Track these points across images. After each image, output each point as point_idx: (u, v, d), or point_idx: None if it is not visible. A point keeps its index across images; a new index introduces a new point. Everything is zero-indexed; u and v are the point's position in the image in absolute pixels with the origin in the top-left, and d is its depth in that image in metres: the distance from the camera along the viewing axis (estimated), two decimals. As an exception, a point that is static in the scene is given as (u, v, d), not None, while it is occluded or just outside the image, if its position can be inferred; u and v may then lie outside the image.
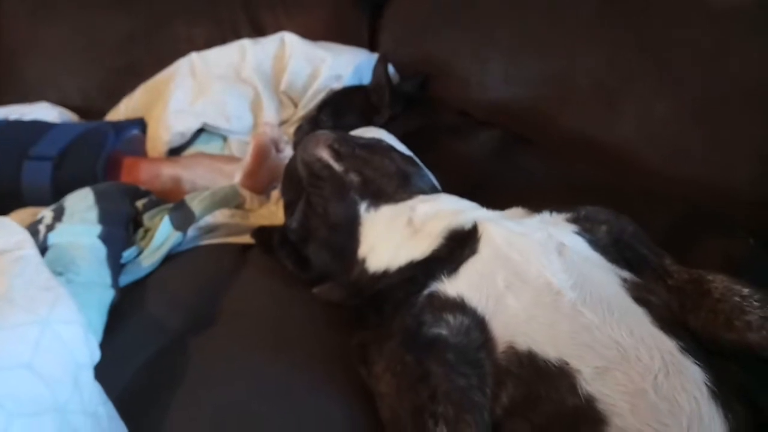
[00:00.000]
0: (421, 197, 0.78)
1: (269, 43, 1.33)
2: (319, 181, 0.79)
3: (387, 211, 0.76)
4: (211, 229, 0.93)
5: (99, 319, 0.73)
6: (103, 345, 0.71)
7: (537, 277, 0.60)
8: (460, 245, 0.66)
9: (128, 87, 1.50)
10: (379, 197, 0.77)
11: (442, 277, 0.63)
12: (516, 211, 0.75)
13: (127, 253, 0.89)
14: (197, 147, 1.29)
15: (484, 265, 0.63)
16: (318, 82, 1.27)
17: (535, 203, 0.93)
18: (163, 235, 0.90)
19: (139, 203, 0.99)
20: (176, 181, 1.13)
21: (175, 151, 1.28)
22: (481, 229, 0.66)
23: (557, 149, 1.04)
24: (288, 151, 1.14)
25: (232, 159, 1.13)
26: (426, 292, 0.63)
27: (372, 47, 1.39)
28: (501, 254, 0.63)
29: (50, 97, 1.60)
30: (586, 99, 1.10)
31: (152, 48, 1.54)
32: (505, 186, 0.96)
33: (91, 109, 1.59)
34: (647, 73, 1.05)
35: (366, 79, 1.29)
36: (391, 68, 1.20)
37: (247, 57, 1.33)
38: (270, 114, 1.28)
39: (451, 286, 0.62)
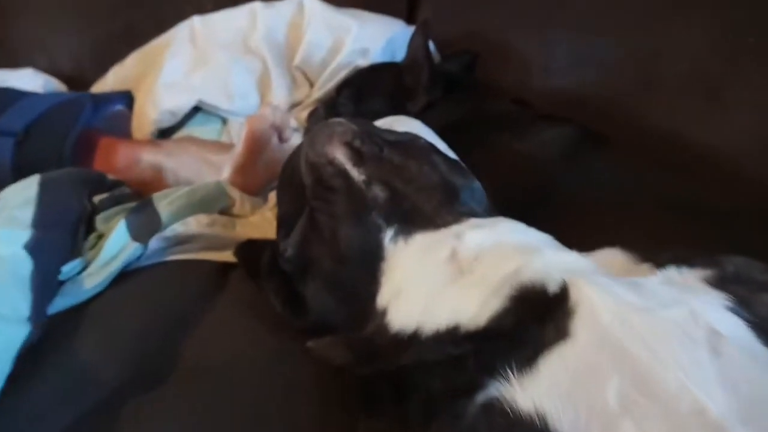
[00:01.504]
0: (472, 221, 0.53)
1: (285, 7, 1.08)
2: (329, 192, 0.54)
3: (422, 240, 0.51)
4: (182, 240, 0.69)
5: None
6: (3, 401, 0.49)
7: (677, 395, 0.34)
8: (537, 315, 0.40)
9: (124, 54, 1.27)
10: (412, 221, 0.52)
11: (509, 371, 0.38)
12: (614, 258, 0.49)
13: (69, 267, 0.65)
14: (190, 129, 1.04)
15: (582, 361, 0.37)
16: (340, 56, 1.01)
17: (616, 225, 0.68)
18: (115, 245, 0.65)
19: (99, 198, 0.75)
20: (157, 171, 0.89)
21: (164, 133, 1.05)
22: (575, 294, 0.40)
23: (642, 152, 0.78)
24: (295, 142, 0.89)
25: (224, 147, 0.88)
26: (481, 396, 0.37)
27: (409, 19, 1.13)
28: (612, 345, 0.36)
29: (38, 63, 1.38)
30: (680, 88, 0.84)
31: (153, 9, 1.28)
32: (575, 200, 0.70)
33: (82, 77, 1.36)
34: (763, 58, 0.78)
35: (399, 55, 1.03)
36: (431, 44, 0.95)
37: (258, 23, 1.07)
38: (280, 93, 1.03)
39: (523, 393, 0.37)
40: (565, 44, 0.94)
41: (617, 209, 0.67)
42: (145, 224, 0.67)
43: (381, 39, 1.01)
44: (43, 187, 0.71)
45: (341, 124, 0.58)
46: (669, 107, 0.84)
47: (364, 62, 1.01)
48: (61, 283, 0.64)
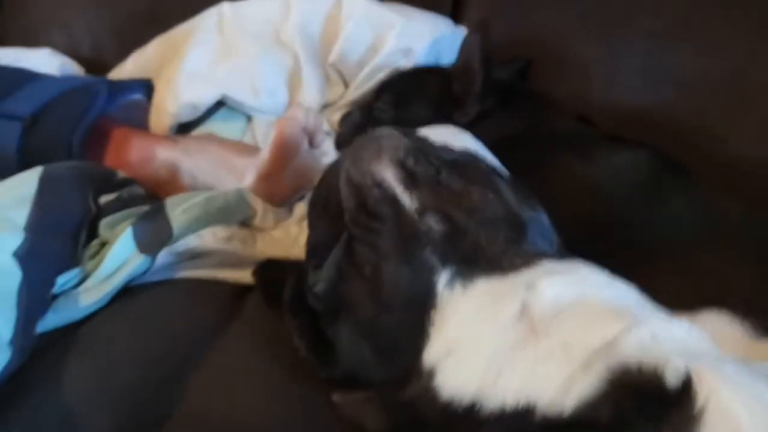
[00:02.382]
0: (545, 266, 0.44)
1: (322, -2, 0.99)
2: (374, 220, 0.45)
3: (485, 288, 0.42)
4: (195, 255, 0.61)
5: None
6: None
7: None
8: (648, 413, 0.31)
9: (146, 38, 1.19)
10: (473, 263, 0.42)
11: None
12: (724, 327, 0.40)
13: (64, 279, 0.57)
14: (212, 125, 0.95)
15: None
16: (380, 55, 0.91)
17: (702, 273, 0.58)
18: (119, 256, 0.57)
19: (106, 199, 0.66)
20: (172, 170, 0.81)
21: (184, 128, 0.96)
22: (703, 392, 0.30)
23: (729, 186, 0.68)
24: (327, 148, 0.80)
25: (247, 149, 0.79)
26: None
27: (455, 17, 1.03)
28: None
29: (57, 42, 1.30)
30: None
31: (180, -10, 1.22)
32: (650, 240, 0.60)
33: (101, 60, 1.27)
34: None
35: (445, 58, 0.93)
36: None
37: (292, 14, 0.98)
38: (310, 92, 0.94)
39: None
40: (634, 55, 0.84)
41: (702, 253, 0.57)
42: (154, 234, 0.58)
43: (427, 38, 0.91)
44: (44, 183, 0.63)
45: (391, 136, 0.49)
46: (758, 132, 0.74)
47: (406, 63, 0.91)
48: (55, 296, 0.57)
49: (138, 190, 0.76)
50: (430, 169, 0.47)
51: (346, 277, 0.46)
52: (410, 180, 0.46)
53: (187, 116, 0.95)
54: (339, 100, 0.96)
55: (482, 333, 0.40)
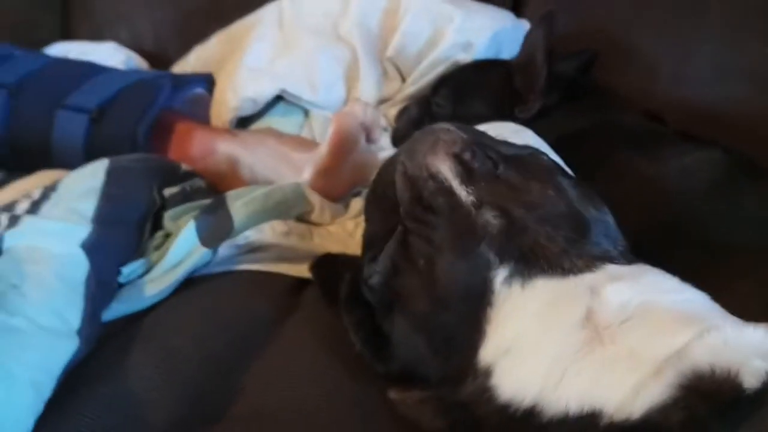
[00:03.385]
0: (609, 269, 0.43)
1: (380, -9, 0.99)
2: (429, 213, 0.45)
3: (545, 289, 0.41)
4: (254, 248, 0.62)
5: (32, 397, 0.44)
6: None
7: None
8: (724, 415, 0.30)
9: (207, 32, 1.22)
10: (532, 261, 0.42)
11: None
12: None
13: (130, 269, 0.59)
14: (271, 120, 0.98)
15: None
16: (439, 49, 0.91)
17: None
18: (182, 249, 0.59)
19: (170, 192, 0.69)
20: (232, 163, 0.83)
21: (243, 122, 0.99)
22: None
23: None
24: (384, 143, 0.81)
25: (305, 143, 0.81)
26: None
27: (515, 9, 1.02)
28: None
29: (122, 37, 1.36)
30: None
31: (242, -14, 1.25)
32: (723, 244, 0.57)
33: (164, 55, 1.32)
34: None
35: (505, 52, 0.92)
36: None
37: (350, 8, 0.99)
38: (368, 87, 0.95)
39: None
40: (704, 49, 0.81)
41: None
42: (216, 228, 0.60)
43: (487, 32, 0.90)
44: (111, 176, 0.66)
45: (448, 131, 0.48)
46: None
47: (465, 57, 0.91)
48: (120, 285, 0.59)
49: (200, 182, 0.78)
50: (488, 163, 0.46)
51: (400, 270, 0.47)
52: (467, 173, 0.45)
53: (247, 110, 0.97)
54: (396, 95, 0.96)
55: (543, 336, 0.39)
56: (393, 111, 0.93)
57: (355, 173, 0.71)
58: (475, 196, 0.45)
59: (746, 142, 0.72)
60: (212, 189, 0.80)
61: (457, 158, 0.46)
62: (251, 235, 0.60)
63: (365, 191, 0.74)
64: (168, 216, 0.64)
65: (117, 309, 0.57)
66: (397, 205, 0.48)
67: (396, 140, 0.85)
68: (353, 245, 0.65)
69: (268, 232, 0.61)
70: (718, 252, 0.57)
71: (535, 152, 0.51)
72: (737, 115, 0.77)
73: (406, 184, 0.47)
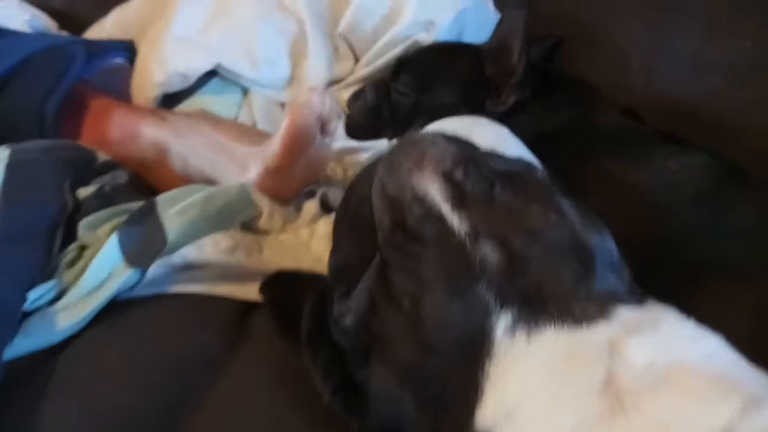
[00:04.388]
0: (624, 316, 0.37)
1: (332, -42, 0.89)
2: (414, 243, 0.38)
3: (556, 342, 0.35)
4: (192, 266, 0.53)
5: None
6: None
7: None
8: None
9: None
10: (539, 305, 0.36)
11: None
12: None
13: (38, 293, 0.49)
14: (203, 98, 0.87)
15: None
16: (397, 27, 0.83)
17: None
18: (103, 269, 0.50)
19: (85, 192, 0.59)
20: (160, 151, 0.72)
21: (170, 99, 0.87)
22: None
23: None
24: (340, 133, 0.73)
25: (249, 133, 0.71)
26: None
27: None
28: None
29: (26, -11, 1.20)
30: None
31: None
32: (715, 260, 0.54)
33: (77, 15, 1.17)
34: None
35: (468, 34, 0.85)
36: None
37: (296, -27, 0.89)
38: (316, 66, 0.86)
39: None
40: (679, 41, 0.77)
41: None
42: (144, 242, 0.51)
43: (450, 11, 0.83)
44: (11, 172, 0.55)
45: (435, 143, 0.41)
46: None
47: (426, 38, 0.83)
48: (26, 314, 0.49)
49: (122, 177, 0.68)
50: (483, 183, 0.40)
51: (379, 309, 0.40)
52: (459, 196, 0.39)
53: (175, 86, 0.86)
54: (348, 76, 0.87)
55: (555, 401, 0.34)
56: (345, 94, 0.84)
57: (307, 170, 0.63)
58: (470, 224, 0.38)
59: (721, 139, 0.69)
60: (137, 184, 0.70)
61: (448, 177, 0.39)
62: (189, 253, 0.51)
63: (320, 191, 0.66)
64: (84, 225, 0.54)
65: (22, 345, 0.47)
66: (373, 229, 0.41)
67: (350, 129, 0.77)
68: (309, 258, 0.58)
69: (210, 248, 0.52)
70: (708, 268, 0.54)
71: (528, 166, 0.45)
72: (713, 111, 0.73)
73: (386, 206, 0.40)
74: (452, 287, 0.37)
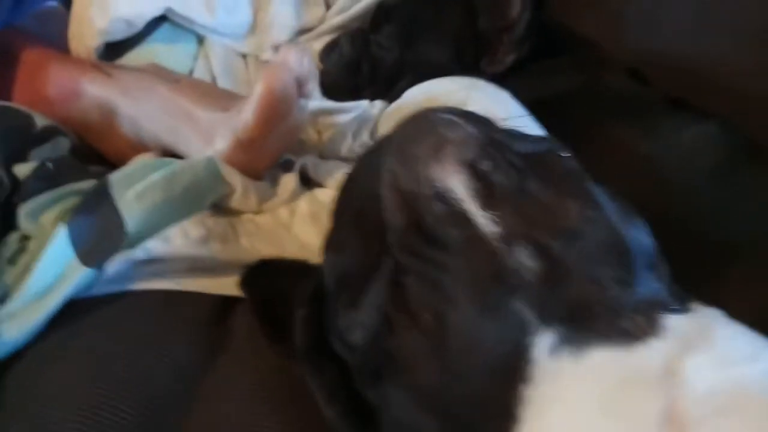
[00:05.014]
0: (674, 327, 0.33)
1: None
2: (435, 248, 0.33)
3: (607, 363, 0.30)
4: (158, 259, 0.46)
5: None
6: None
7: None
8: None
9: None
10: (585, 321, 0.31)
11: None
12: None
13: (-28, 298, 0.42)
14: (152, 47, 0.76)
15: None
16: (373, -32, 0.75)
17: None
18: (51, 268, 0.42)
19: (24, 168, 0.50)
20: (106, 113, 0.63)
21: (113, 49, 0.77)
22: None
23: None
24: (315, 94, 0.65)
25: (212, 94, 0.62)
26: None
27: None
28: None
29: None
30: None
31: None
32: (734, 243, 0.51)
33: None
34: None
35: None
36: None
37: None
38: (282, 12, 0.76)
39: None
40: (685, -3, 0.72)
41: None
42: (99, 235, 0.43)
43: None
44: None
45: (454, 124, 0.35)
46: None
47: (407, -19, 0.75)
48: (-41, 324, 0.42)
49: (64, 145, 0.59)
50: (512, 174, 0.34)
51: (395, 325, 0.34)
52: (487, 191, 0.33)
53: (118, 34, 0.75)
54: (318, 24, 0.78)
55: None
56: (316, 45, 0.76)
57: (283, 139, 0.56)
58: (502, 226, 0.33)
59: (724, 104, 0.65)
60: (81, 151, 0.61)
61: (473, 169, 0.33)
62: (154, 248, 0.44)
63: (297, 162, 0.59)
64: (25, 212, 0.46)
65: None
66: (382, 229, 0.35)
67: (326, 87, 0.69)
68: (291, 243, 0.51)
69: (179, 240, 0.45)
70: (727, 251, 0.51)
71: (554, 148, 0.40)
72: (716, 73, 0.69)
73: (400, 202, 0.34)
74: (483, 301, 0.32)
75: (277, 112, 0.52)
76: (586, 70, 0.63)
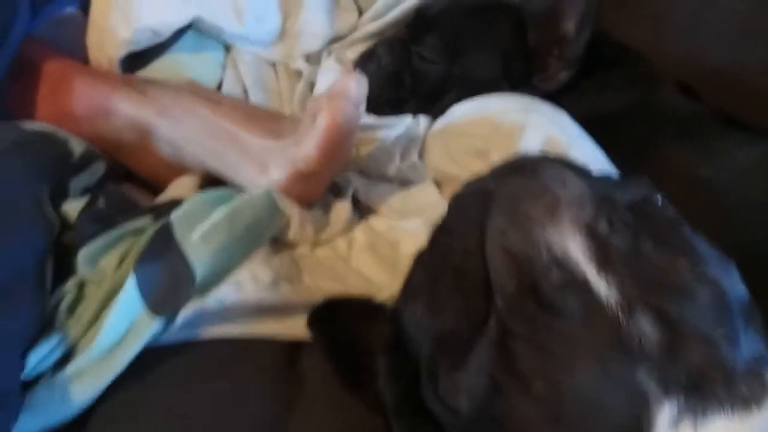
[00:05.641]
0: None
1: None
2: (550, 314, 0.31)
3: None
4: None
5: None
6: None
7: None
8: None
9: None
10: (706, 389, 0.30)
11: None
12: None
13: (38, 354, 0.39)
14: (177, 56, 0.72)
15: None
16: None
17: None
18: (123, 320, 0.40)
19: (73, 207, 0.47)
20: (141, 134, 0.60)
21: (135, 59, 0.73)
22: None
23: None
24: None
25: (262, 117, 0.58)
26: None
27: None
28: None
29: None
30: None
31: None
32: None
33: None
34: None
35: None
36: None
37: None
38: (314, 19, 0.73)
39: None
40: (730, 2, 0.69)
41: None
42: (169, 283, 0.41)
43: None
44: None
45: (567, 181, 0.34)
46: None
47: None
48: (28, 382, 0.40)
49: (100, 169, 0.56)
50: (627, 233, 0.33)
51: (503, 390, 0.33)
52: (605, 254, 0.32)
53: (143, 44, 0.71)
54: (351, 32, 0.76)
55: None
56: (350, 54, 0.73)
57: (339, 166, 0.53)
58: (621, 292, 0.31)
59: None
60: (115, 171, 0.58)
61: (591, 231, 0.32)
62: (227, 296, 0.42)
63: (349, 187, 0.57)
64: (84, 257, 0.43)
65: (30, 425, 0.38)
66: (486, 288, 0.34)
67: (368, 100, 0.66)
68: (352, 276, 0.50)
69: (250, 285, 0.43)
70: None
71: (651, 194, 0.38)
72: (759, 81, 0.68)
73: (511, 266, 0.32)
74: (602, 371, 0.31)
75: (341, 144, 0.49)
76: (639, 86, 0.61)
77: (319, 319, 0.45)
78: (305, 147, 0.49)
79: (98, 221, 0.45)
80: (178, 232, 0.44)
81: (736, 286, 0.36)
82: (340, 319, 0.45)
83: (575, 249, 0.32)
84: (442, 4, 0.67)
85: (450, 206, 0.38)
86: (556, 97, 0.59)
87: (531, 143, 0.52)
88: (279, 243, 0.51)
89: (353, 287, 0.49)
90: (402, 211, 0.54)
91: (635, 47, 0.69)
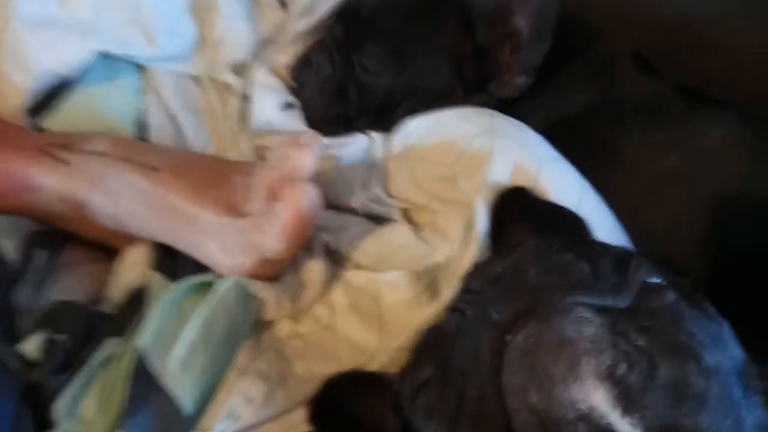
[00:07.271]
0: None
1: None
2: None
3: None
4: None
5: None
6: None
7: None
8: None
9: None
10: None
11: None
12: None
13: None
14: (89, 90, 0.62)
15: None
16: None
17: None
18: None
19: (30, 346, 0.41)
20: (73, 206, 0.53)
21: (43, 101, 0.62)
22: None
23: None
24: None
25: (198, 178, 0.49)
26: None
27: None
28: None
29: None
30: None
31: None
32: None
33: None
34: None
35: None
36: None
37: None
38: (231, 21, 0.63)
39: None
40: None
41: None
42: (162, 429, 0.37)
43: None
44: None
45: (582, 323, 0.31)
46: None
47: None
48: None
49: (42, 260, 0.50)
50: (643, 364, 0.31)
51: None
52: (626, 395, 0.30)
53: (47, 87, 0.61)
54: (278, 34, 0.66)
55: None
56: (283, 59, 0.64)
57: (304, 242, 0.48)
58: (643, 428, 0.30)
59: (734, 75, 0.61)
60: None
61: (612, 378, 0.30)
62: (226, 430, 0.39)
63: (317, 241, 0.52)
64: (61, 410, 0.38)
65: None
66: (503, 427, 0.32)
67: (312, 119, 0.59)
68: (342, 347, 0.47)
69: (248, 411, 0.40)
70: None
71: (648, 277, 0.36)
72: (717, 37, 0.63)
73: (536, 422, 0.30)
74: None
75: (307, 229, 0.44)
76: (599, 78, 0.56)
77: (320, 412, 0.43)
78: (269, 238, 0.44)
79: (63, 366, 0.40)
80: (155, 364, 0.40)
81: (732, 354, 0.36)
82: (341, 403, 0.43)
83: (599, 401, 0.30)
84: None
85: (454, 333, 0.35)
86: (513, 102, 0.54)
87: (499, 172, 0.49)
88: (257, 325, 0.47)
89: (345, 359, 0.47)
90: (377, 256, 0.51)
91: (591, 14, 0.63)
